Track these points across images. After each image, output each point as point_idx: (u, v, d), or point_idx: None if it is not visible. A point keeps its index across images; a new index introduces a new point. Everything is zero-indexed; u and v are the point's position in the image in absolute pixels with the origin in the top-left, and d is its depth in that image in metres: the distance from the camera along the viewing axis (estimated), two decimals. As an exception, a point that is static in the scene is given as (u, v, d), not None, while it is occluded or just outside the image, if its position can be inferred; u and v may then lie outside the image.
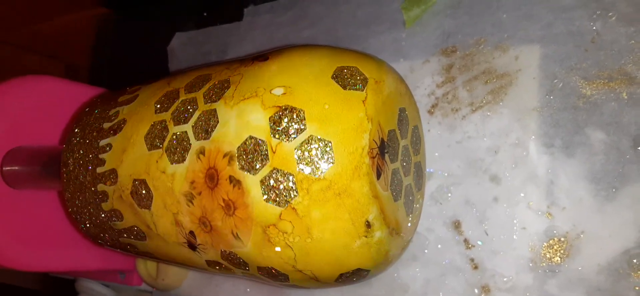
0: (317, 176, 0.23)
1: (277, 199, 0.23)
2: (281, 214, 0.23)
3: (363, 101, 0.25)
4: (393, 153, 0.26)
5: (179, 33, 0.48)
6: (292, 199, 0.23)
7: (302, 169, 0.23)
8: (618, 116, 0.28)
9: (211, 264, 0.27)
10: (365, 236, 0.23)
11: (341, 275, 0.25)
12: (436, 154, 0.33)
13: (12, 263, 0.36)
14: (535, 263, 0.29)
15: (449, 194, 0.32)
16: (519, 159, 0.30)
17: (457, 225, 0.31)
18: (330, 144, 0.23)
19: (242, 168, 0.24)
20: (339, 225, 0.23)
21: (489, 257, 0.30)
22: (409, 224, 0.28)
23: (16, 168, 0.34)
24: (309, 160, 0.23)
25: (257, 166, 0.23)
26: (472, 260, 0.30)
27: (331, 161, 0.23)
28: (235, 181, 0.24)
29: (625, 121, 0.28)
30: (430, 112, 0.33)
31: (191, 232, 0.26)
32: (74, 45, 0.59)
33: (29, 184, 0.34)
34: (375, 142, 0.24)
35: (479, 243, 0.30)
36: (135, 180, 0.27)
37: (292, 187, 0.23)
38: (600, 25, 0.29)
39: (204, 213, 0.25)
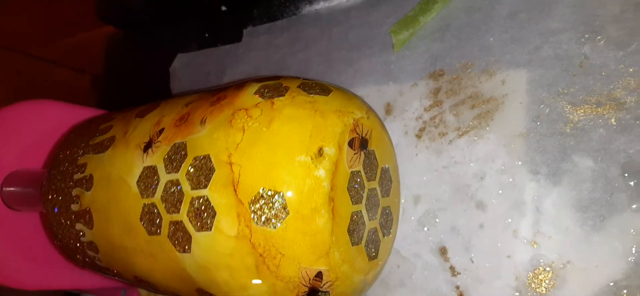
0: (307, 92, 0.26)
1: (265, 95, 0.26)
2: (259, 103, 0.26)
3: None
4: (367, 167, 0.27)
5: (181, 54, 0.49)
6: (275, 98, 0.26)
7: (299, 87, 0.26)
8: (606, 143, 0.27)
9: (143, 175, 0.27)
10: (311, 159, 0.24)
11: (262, 190, 0.23)
12: (424, 178, 0.32)
13: (11, 282, 0.37)
14: (520, 292, 0.28)
15: (437, 220, 0.31)
16: (505, 186, 0.29)
17: (443, 252, 0.31)
18: (330, 91, 0.27)
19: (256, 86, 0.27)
20: (297, 130, 0.24)
21: (474, 285, 0.29)
22: (349, 251, 0.25)
23: (14, 189, 0.35)
24: (308, 88, 0.27)
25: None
26: (457, 287, 0.30)
27: (325, 94, 0.26)
28: (240, 87, 0.27)
29: (614, 147, 0.27)
30: (418, 136, 0.33)
31: (162, 129, 0.28)
32: (84, 62, 0.61)
33: (26, 205, 0.35)
34: (361, 127, 0.26)
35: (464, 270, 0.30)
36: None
37: (282, 92, 0.26)
38: (589, 48, 0.28)
39: (191, 111, 0.28)
